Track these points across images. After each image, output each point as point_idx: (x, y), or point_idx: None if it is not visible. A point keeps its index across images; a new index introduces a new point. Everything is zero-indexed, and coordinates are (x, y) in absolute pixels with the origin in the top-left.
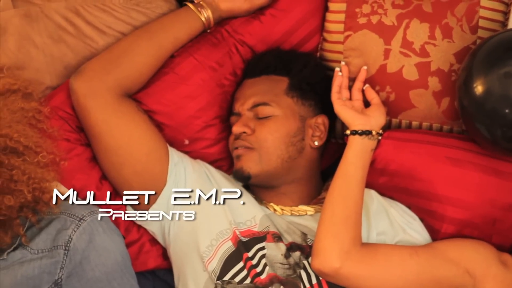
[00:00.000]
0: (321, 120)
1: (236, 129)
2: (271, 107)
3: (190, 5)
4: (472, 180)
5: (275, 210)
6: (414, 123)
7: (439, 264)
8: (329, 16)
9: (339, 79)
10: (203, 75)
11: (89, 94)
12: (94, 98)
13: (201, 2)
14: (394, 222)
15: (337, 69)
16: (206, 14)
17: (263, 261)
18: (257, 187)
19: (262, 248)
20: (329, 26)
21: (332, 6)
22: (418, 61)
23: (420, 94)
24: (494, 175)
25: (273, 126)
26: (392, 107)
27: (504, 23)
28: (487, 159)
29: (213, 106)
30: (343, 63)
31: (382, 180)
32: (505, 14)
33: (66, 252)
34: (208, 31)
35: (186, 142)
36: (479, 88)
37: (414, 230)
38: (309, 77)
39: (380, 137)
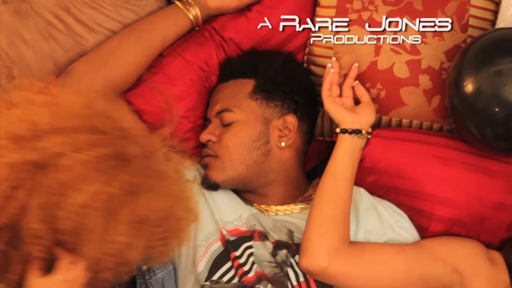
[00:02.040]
0: (289, 120)
1: (202, 137)
2: (233, 113)
3: (178, 3)
4: (460, 178)
5: (260, 209)
6: (405, 121)
7: (426, 261)
8: (320, 11)
9: (331, 75)
10: (192, 75)
11: None
12: None
13: (189, 0)
14: (383, 221)
15: (328, 65)
16: (194, 13)
17: (251, 259)
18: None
19: (250, 247)
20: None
21: (322, 1)
22: (409, 58)
23: (411, 92)
24: (483, 173)
25: (234, 133)
26: (382, 104)
27: (493, 22)
28: (475, 157)
29: (201, 106)
30: (334, 59)
31: (370, 178)
32: (495, 13)
33: None
34: (196, 29)
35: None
36: (469, 87)
37: (403, 229)
38: (275, 77)
39: (369, 136)
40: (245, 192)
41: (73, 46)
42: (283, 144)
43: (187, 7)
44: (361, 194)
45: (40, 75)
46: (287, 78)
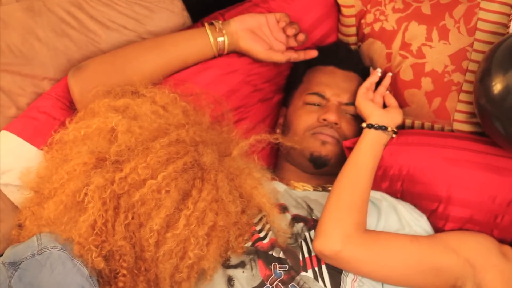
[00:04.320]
0: None
1: (334, 118)
2: (356, 109)
3: (209, 31)
4: (471, 178)
5: (295, 186)
6: (407, 121)
7: (439, 252)
8: (343, 30)
9: (376, 77)
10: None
11: (85, 93)
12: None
13: (223, 30)
14: (402, 219)
15: (378, 69)
16: (221, 47)
17: (267, 226)
18: (290, 166)
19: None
20: (344, 39)
21: (344, 20)
22: (414, 62)
23: (413, 93)
24: (493, 172)
25: (352, 128)
26: None
27: (506, 25)
28: (484, 156)
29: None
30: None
31: (384, 185)
32: (508, 16)
33: None
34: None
35: None
36: (498, 86)
37: (420, 227)
38: None
39: (394, 135)
40: (301, 170)
41: (86, 43)
42: None
43: (217, 39)
44: (382, 195)
45: (54, 72)
46: None
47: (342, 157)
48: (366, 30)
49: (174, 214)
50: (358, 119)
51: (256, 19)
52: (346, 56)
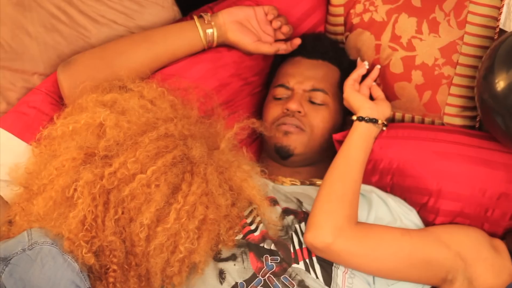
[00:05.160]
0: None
1: (295, 107)
2: (327, 95)
3: (198, 24)
4: (461, 172)
5: (283, 181)
6: (398, 115)
7: (430, 245)
8: (330, 19)
9: (364, 70)
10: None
11: (75, 88)
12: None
13: (211, 22)
14: (393, 211)
15: (366, 62)
16: (211, 39)
17: (258, 219)
18: (272, 161)
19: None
20: (330, 28)
21: (332, 10)
22: (404, 55)
23: (403, 86)
24: (484, 165)
25: (327, 116)
26: None
27: (496, 19)
28: (475, 150)
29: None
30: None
31: (374, 179)
32: (498, 9)
33: None
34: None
35: None
36: (501, 83)
37: (410, 221)
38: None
39: (384, 128)
40: (283, 165)
41: (76, 38)
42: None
43: (206, 30)
44: (372, 188)
45: (44, 67)
46: None
47: (315, 146)
48: (355, 20)
49: (164, 208)
50: (328, 106)
51: (244, 12)
52: (312, 44)
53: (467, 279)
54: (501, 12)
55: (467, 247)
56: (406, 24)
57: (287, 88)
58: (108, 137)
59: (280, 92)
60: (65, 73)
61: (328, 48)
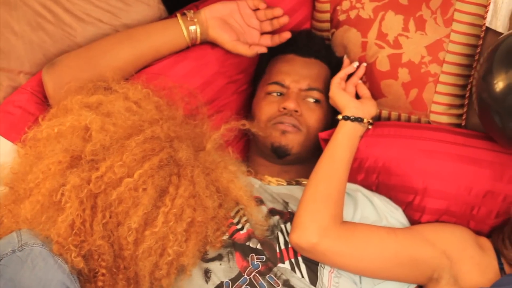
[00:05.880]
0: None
1: (293, 106)
2: (322, 94)
3: (180, 21)
4: (447, 170)
5: (269, 181)
6: (384, 112)
7: (416, 244)
8: (317, 16)
9: (352, 69)
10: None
11: (59, 89)
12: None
13: (194, 19)
14: (378, 210)
15: (355, 62)
16: (194, 36)
17: (244, 219)
18: (261, 159)
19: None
20: (317, 25)
21: (318, 6)
22: (391, 52)
23: (390, 84)
24: (470, 163)
25: (321, 115)
26: None
27: (483, 17)
28: (461, 148)
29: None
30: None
31: (360, 177)
32: (485, 7)
33: None
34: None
35: None
36: (500, 84)
37: (396, 219)
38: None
39: (370, 126)
40: (272, 163)
41: (62, 36)
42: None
43: (189, 27)
44: (357, 187)
45: (30, 65)
46: None
47: (309, 145)
48: (342, 17)
49: (152, 212)
50: (322, 105)
51: (227, 7)
52: (305, 43)
53: (452, 277)
54: (488, 10)
55: (453, 245)
56: (392, 22)
57: (282, 85)
58: (95, 141)
59: (275, 89)
60: (50, 74)
61: (321, 46)
